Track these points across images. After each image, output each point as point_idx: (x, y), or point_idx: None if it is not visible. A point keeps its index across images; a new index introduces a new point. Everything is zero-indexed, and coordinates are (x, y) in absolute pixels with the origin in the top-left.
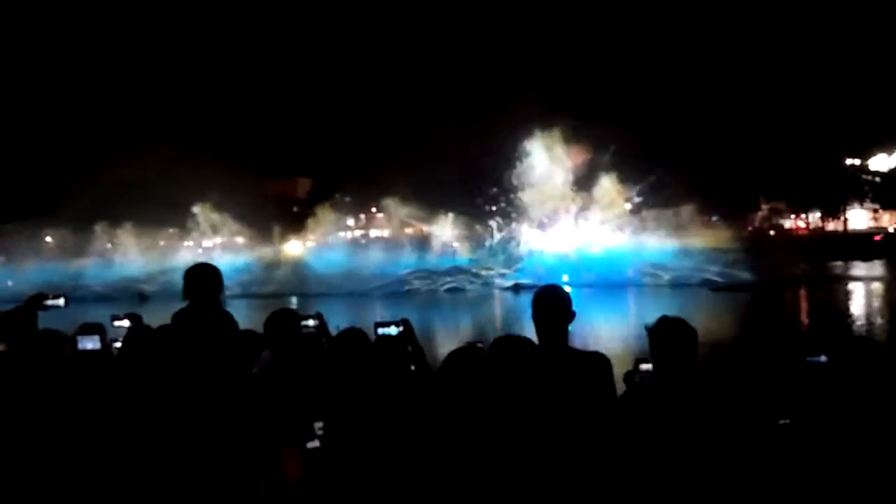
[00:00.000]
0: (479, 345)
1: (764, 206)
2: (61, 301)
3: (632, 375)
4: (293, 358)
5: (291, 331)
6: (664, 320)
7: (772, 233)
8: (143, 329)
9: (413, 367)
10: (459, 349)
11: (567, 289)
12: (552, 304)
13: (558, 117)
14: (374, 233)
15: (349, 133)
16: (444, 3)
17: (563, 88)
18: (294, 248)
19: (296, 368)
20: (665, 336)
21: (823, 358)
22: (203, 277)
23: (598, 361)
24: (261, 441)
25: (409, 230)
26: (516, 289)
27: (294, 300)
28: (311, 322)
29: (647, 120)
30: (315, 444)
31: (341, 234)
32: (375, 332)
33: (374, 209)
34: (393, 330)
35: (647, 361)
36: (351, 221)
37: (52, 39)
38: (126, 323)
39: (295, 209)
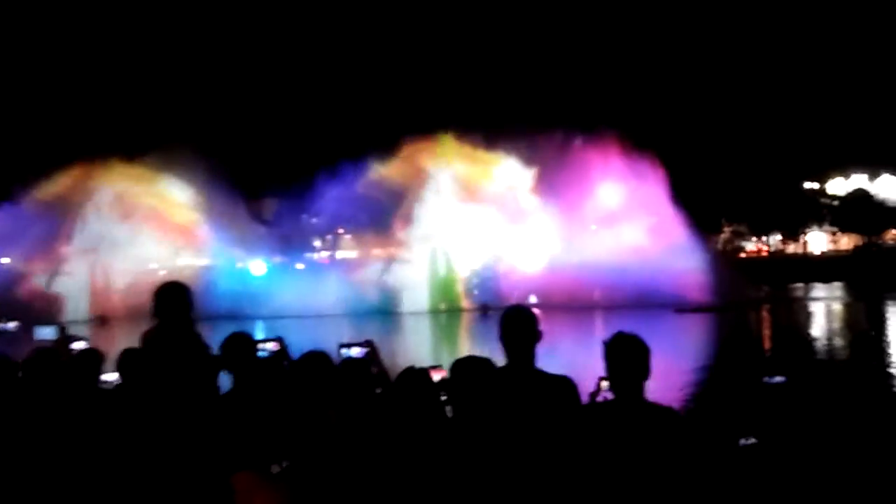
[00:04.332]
0: (435, 367)
1: (726, 229)
2: (12, 325)
3: (595, 394)
4: (251, 382)
5: (247, 354)
6: (619, 336)
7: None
8: (96, 353)
9: (378, 390)
10: (406, 371)
11: (535, 310)
12: (519, 325)
13: (524, 137)
14: (340, 254)
15: (317, 153)
16: (408, 24)
17: (528, 109)
18: (258, 268)
19: (254, 392)
20: (618, 350)
21: (781, 378)
22: (173, 296)
23: (564, 385)
24: (215, 465)
25: (377, 251)
26: (484, 310)
27: (258, 322)
28: (269, 345)
29: (613, 138)
30: (278, 468)
31: (307, 255)
32: (339, 353)
33: (340, 230)
34: (357, 352)
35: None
36: (318, 243)
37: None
38: (83, 344)
39: (261, 230)
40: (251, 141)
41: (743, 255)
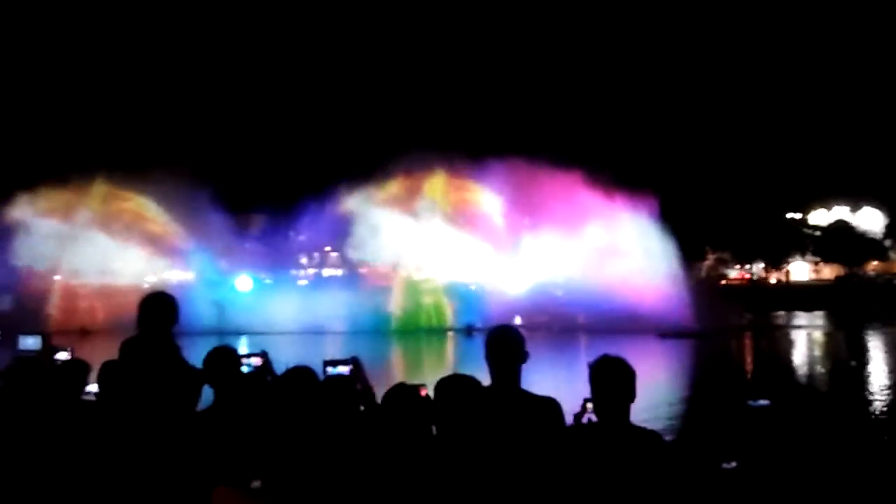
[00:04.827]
0: (422, 385)
1: (710, 256)
2: None
3: (580, 416)
4: (234, 397)
5: (230, 369)
6: (604, 359)
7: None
8: (80, 363)
9: (362, 408)
10: (395, 388)
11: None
12: (505, 345)
13: (513, 162)
14: (327, 272)
15: (306, 172)
16: (397, 46)
17: (518, 135)
18: (244, 284)
19: (237, 407)
20: (603, 373)
21: (765, 402)
22: (157, 307)
23: (549, 406)
24: (194, 480)
25: (363, 270)
26: (469, 331)
27: (243, 338)
28: (253, 360)
29: (602, 167)
30: (258, 483)
31: (293, 271)
32: (324, 370)
33: (328, 248)
34: (342, 369)
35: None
36: (304, 260)
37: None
38: (66, 355)
39: (247, 245)
40: (240, 156)
41: (724, 282)
